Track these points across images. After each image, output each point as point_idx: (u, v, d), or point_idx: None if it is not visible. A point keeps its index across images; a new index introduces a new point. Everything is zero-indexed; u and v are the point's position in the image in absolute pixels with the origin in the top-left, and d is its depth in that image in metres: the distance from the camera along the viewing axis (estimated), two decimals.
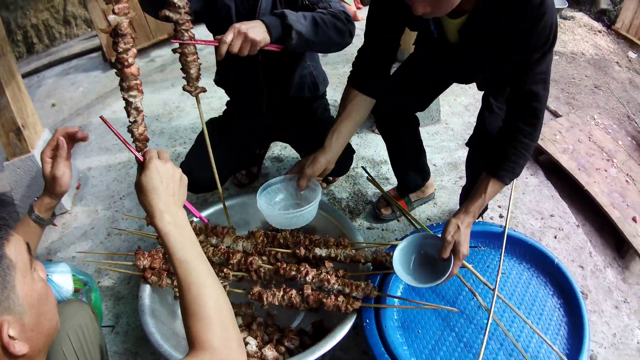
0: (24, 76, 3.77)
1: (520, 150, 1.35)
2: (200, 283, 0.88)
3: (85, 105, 3.78)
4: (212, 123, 2.02)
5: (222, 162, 1.71)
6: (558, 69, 3.54)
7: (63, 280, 1.62)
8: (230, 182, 2.38)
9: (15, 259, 0.74)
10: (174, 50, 1.38)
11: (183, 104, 3.39)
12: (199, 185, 1.83)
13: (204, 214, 1.84)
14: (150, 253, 1.65)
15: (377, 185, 1.80)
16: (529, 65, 1.26)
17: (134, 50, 1.11)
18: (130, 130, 1.17)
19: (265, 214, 1.55)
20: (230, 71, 1.95)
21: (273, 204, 1.62)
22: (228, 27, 1.42)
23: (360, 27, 1.60)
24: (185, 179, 1.01)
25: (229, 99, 2.12)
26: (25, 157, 2.42)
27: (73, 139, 1.13)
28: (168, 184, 0.95)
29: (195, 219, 1.72)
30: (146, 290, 1.59)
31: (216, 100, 3.17)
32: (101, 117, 1.11)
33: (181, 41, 1.35)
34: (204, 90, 1.47)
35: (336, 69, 3.57)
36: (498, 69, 1.47)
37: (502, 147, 1.37)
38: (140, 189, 0.94)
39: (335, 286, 1.40)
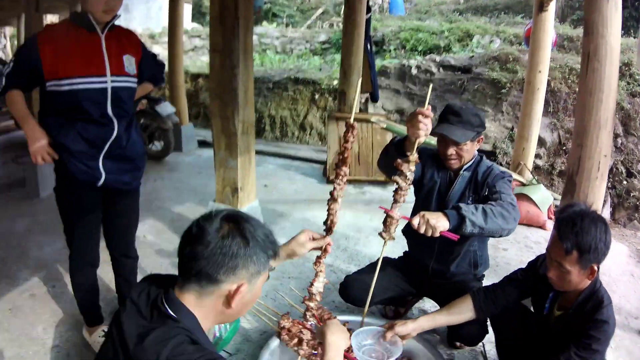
0: None
1: None
2: None
3: (292, 200, 4.69)
4: (388, 260, 2.57)
5: (379, 291, 2.24)
6: None
7: None
8: (379, 309, 2.76)
9: (267, 270, 1.22)
10: (385, 212, 1.98)
11: (372, 237, 3.77)
12: (351, 298, 2.35)
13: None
14: (294, 321, 2.16)
15: None
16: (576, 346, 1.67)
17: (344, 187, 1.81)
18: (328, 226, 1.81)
19: (354, 349, 1.89)
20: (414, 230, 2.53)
21: (361, 346, 1.93)
22: (431, 195, 2.15)
23: None
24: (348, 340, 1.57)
25: (407, 249, 2.62)
26: (231, 209, 3.06)
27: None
28: (345, 341, 1.52)
29: None
30: (275, 342, 2.09)
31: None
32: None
33: (388, 210, 1.97)
34: (392, 238, 2.02)
35: None
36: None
37: None
38: (335, 327, 1.52)
39: None
